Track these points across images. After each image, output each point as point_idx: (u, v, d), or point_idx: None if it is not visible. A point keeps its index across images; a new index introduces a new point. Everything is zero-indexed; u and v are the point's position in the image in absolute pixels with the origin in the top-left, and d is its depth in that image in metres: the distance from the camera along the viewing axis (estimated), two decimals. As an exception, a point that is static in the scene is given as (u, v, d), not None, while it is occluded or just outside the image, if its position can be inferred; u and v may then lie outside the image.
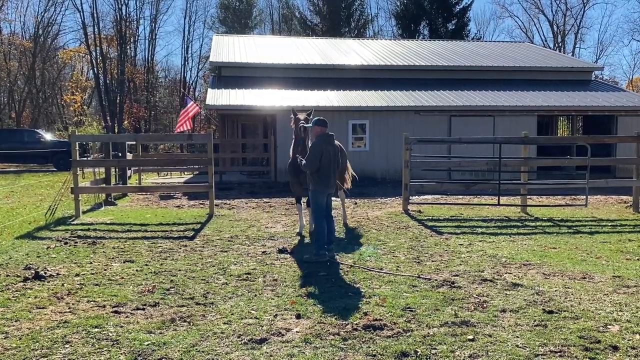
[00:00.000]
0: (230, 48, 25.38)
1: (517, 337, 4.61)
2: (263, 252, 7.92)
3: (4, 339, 4.55)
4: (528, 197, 12.61)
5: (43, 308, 5.33)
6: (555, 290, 5.95)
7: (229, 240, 8.77)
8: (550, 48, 49.29)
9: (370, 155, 19.78)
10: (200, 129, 49.05)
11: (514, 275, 6.60)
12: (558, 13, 55.87)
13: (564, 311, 5.25)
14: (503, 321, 4.98)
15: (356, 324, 4.87)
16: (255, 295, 5.75)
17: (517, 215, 11.68)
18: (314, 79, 22.30)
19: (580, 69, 25.62)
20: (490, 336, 4.61)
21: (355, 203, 13.72)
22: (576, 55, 52.76)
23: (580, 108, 21.09)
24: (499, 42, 37.25)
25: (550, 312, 5.21)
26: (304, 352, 4.29)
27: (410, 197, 12.55)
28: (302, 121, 8.81)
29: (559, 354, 4.28)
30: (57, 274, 6.57)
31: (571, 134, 26.83)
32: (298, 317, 5.08)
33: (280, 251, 7.90)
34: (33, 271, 6.54)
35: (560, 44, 54.60)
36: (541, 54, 28.56)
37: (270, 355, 4.23)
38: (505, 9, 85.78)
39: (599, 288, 6.07)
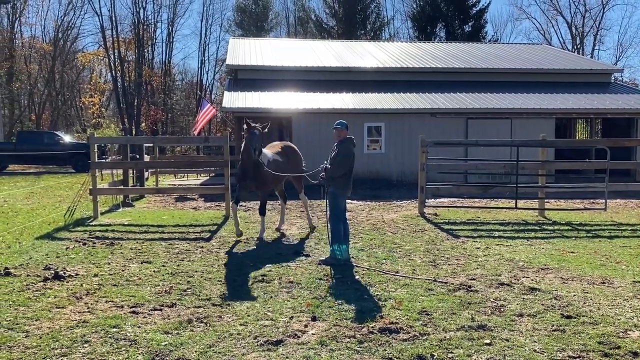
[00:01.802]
0: (247, 51, 25.52)
1: (535, 341, 4.57)
2: (278, 253, 7.94)
3: (25, 337, 4.63)
4: (546, 200, 12.48)
5: (62, 308, 5.40)
6: (574, 295, 5.88)
7: (245, 242, 8.81)
8: (568, 50, 48.76)
9: (385, 157, 19.72)
10: (217, 131, 49.36)
11: (532, 280, 6.54)
12: (577, 14, 55.25)
13: (583, 316, 5.18)
14: (520, 326, 4.94)
15: (372, 326, 4.86)
16: (271, 297, 5.77)
17: (534, 218, 11.57)
18: (329, 82, 22.31)
19: (599, 71, 25.29)
20: (507, 340, 4.58)
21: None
22: (595, 57, 52.08)
23: (599, 111, 20.80)
24: (516, 44, 36.95)
25: (569, 317, 5.15)
26: (319, 355, 4.29)
27: (426, 200, 12.49)
28: (257, 129, 8.68)
29: (577, 359, 4.23)
30: (76, 274, 6.66)
31: (590, 137, 26.49)
32: (314, 319, 5.09)
33: (296, 253, 7.91)
34: (52, 271, 6.64)
35: (579, 46, 53.97)
36: (559, 56, 28.27)
37: (286, 357, 4.25)
38: (522, 11, 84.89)
39: (619, 293, 5.98)
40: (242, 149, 8.97)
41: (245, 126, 8.81)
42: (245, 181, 9.04)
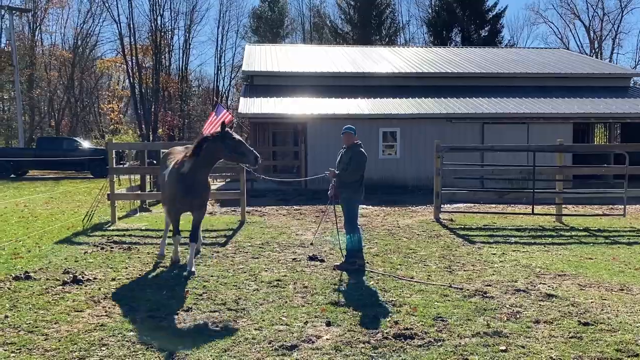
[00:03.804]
0: (262, 57, 25.69)
1: (552, 348, 4.52)
2: (293, 259, 7.96)
3: (45, 340, 4.71)
4: (563, 206, 12.34)
5: (81, 311, 5.48)
6: (592, 302, 5.81)
7: (260, 247, 8.85)
8: (586, 54, 48.25)
9: (400, 163, 19.69)
10: (232, 137, 49.62)
11: (549, 286, 6.48)
12: (595, 18, 54.66)
13: (601, 323, 5.12)
14: (537, 332, 4.90)
15: (387, 332, 4.86)
16: (286, 302, 5.79)
17: (551, 224, 11.45)
18: (344, 87, 22.37)
19: (618, 75, 25.00)
20: (523, 347, 4.54)
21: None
22: (614, 61, 51.49)
23: (618, 115, 20.56)
24: (533, 48, 36.66)
25: (586, 324, 5.10)
26: (334, 360, 4.30)
27: (442, 206, 12.43)
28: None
29: (595, 367, 4.19)
30: (94, 278, 6.75)
31: (608, 142, 26.14)
32: (328, 324, 5.10)
33: (311, 258, 7.93)
34: (71, 275, 6.74)
35: (597, 50, 53.39)
36: (577, 60, 28.00)
37: (301, 362, 4.26)
38: (539, 15, 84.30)
39: (638, 300, 5.90)
40: (198, 155, 6.93)
41: (219, 128, 7.06)
42: (189, 198, 7.16)
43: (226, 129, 6.92)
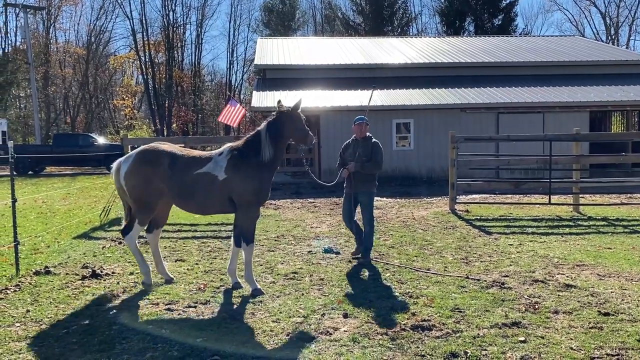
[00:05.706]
0: (274, 50, 25.66)
1: (571, 339, 4.49)
2: (309, 251, 7.98)
3: (66, 334, 4.77)
4: (581, 195, 12.20)
5: (100, 305, 5.55)
6: (611, 292, 5.75)
7: (275, 240, 8.88)
8: (602, 41, 47.49)
9: (414, 154, 19.60)
10: (246, 130, 49.79)
11: (567, 276, 6.42)
12: (611, 4, 53.81)
13: (621, 313, 5.07)
14: (556, 323, 4.86)
15: (404, 324, 4.85)
16: (303, 294, 5.81)
17: (569, 214, 11.34)
18: (357, 79, 22.27)
19: (635, 62, 24.55)
20: (542, 338, 4.51)
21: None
22: (631, 48, 50.61)
23: (636, 103, 20.24)
24: (547, 36, 36.17)
25: (606, 314, 5.04)
26: (352, 352, 4.31)
27: (457, 197, 12.35)
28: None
29: (616, 357, 4.14)
30: (113, 273, 6.83)
31: (626, 130, 25.75)
32: (345, 316, 5.11)
33: (326, 251, 7.94)
34: (90, 270, 6.82)
35: (613, 37, 52.50)
36: (592, 47, 27.57)
37: (319, 354, 4.27)
38: (554, 2, 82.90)
39: (659, 290, 5.82)
40: (279, 135, 5.93)
41: (291, 106, 6.04)
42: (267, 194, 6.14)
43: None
